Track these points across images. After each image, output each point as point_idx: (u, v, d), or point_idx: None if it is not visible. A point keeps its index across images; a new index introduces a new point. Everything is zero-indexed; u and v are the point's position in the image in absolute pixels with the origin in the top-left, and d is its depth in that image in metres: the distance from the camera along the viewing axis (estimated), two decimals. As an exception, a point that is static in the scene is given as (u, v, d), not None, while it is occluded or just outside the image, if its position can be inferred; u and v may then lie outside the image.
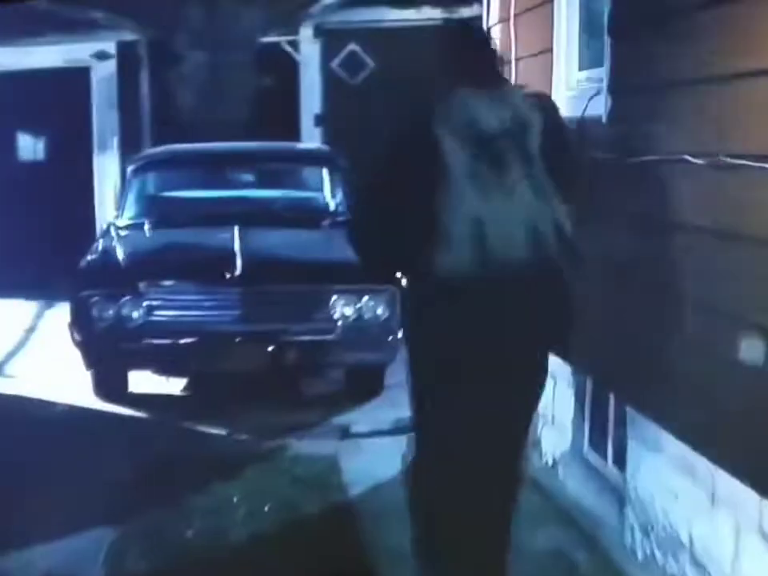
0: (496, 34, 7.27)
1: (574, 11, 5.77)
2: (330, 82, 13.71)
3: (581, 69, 5.80)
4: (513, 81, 6.69)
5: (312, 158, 10.42)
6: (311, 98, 13.74)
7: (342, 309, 8.03)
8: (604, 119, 5.00)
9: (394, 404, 7.08)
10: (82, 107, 13.81)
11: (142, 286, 8.00)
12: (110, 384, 8.50)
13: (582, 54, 5.81)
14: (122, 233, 9.10)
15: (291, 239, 8.80)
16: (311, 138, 13.43)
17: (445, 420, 3.98)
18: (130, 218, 9.38)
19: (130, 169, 9.82)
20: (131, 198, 9.60)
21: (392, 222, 3.99)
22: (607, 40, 5.01)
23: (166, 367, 8.37)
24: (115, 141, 13.61)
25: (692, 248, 4.30)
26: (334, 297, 8.02)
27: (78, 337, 8.13)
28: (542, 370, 4.13)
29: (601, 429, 5.66)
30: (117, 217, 9.62)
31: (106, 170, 13.52)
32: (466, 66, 4.07)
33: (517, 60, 6.71)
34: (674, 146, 4.35)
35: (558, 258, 3.92)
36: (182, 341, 7.93)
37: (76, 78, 13.76)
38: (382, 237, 4.06)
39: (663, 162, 4.42)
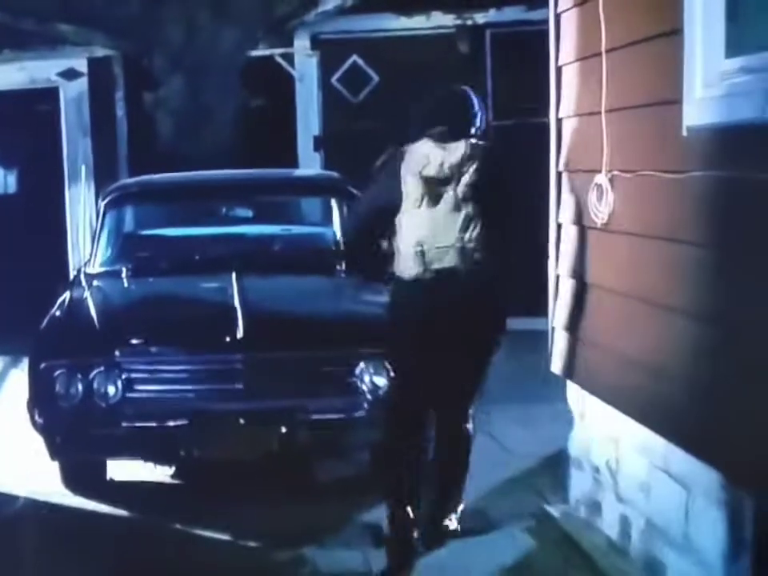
0: (570, 20, 5.64)
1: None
2: (330, 99, 12.46)
3: (728, 56, 4.11)
4: (603, 79, 5.13)
5: (319, 187, 8.99)
6: (309, 118, 12.44)
7: (371, 378, 6.44)
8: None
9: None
10: (53, 133, 12.47)
11: (118, 353, 6.45)
12: (82, 475, 6.99)
13: (730, 35, 4.13)
14: (95, 283, 7.63)
15: (302, 288, 7.37)
16: (311, 164, 12.16)
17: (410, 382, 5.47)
18: (104, 264, 7.96)
19: (102, 203, 8.34)
20: (105, 238, 8.14)
21: (373, 239, 5.61)
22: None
23: (150, 456, 6.77)
24: (88, 171, 12.18)
25: None
26: (362, 364, 6.43)
27: (38, 419, 6.54)
28: (479, 347, 5.51)
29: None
30: (88, 262, 8.10)
31: (81, 205, 11.96)
32: (438, 121, 5.39)
33: (608, 51, 5.06)
34: None
35: (476, 267, 5.27)
36: (171, 423, 6.37)
37: (43, 100, 12.46)
38: (367, 249, 5.78)
39: None
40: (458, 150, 5.29)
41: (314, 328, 6.58)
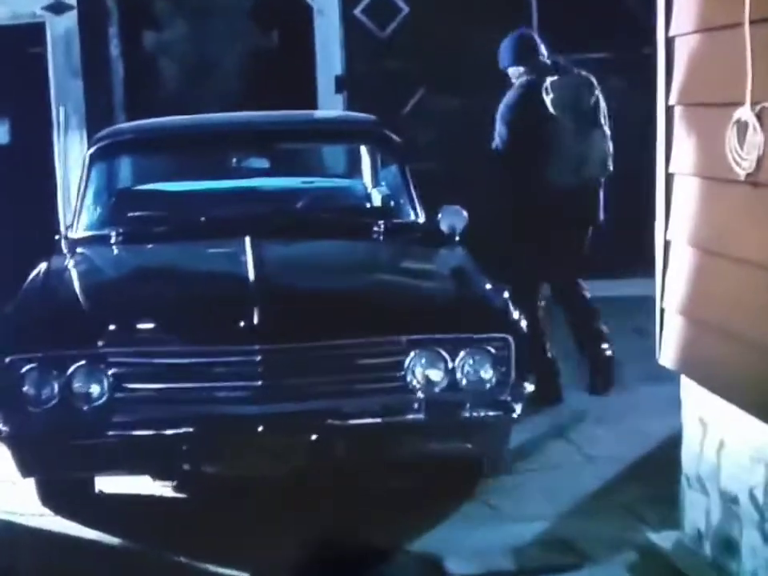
0: None
1: None
2: (354, 33, 11.45)
3: None
4: None
5: (347, 132, 7.79)
6: (330, 56, 11.39)
7: (424, 372, 5.25)
8: None
9: (500, 509, 5.52)
10: (40, 74, 11.29)
11: (102, 342, 5.22)
12: (64, 490, 5.78)
13: None
14: (78, 250, 6.47)
15: (332, 257, 6.23)
16: (333, 107, 11.04)
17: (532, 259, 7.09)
18: (90, 227, 6.76)
19: (89, 153, 7.11)
20: (91, 195, 6.94)
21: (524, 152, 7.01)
22: None
23: (145, 473, 5.60)
24: (80, 117, 11.07)
25: None
26: (412, 353, 5.23)
27: (3, 428, 5.27)
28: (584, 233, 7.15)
29: None
30: (70, 226, 6.87)
31: (74, 158, 10.77)
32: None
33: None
34: None
35: (603, 172, 7.03)
36: (171, 431, 5.17)
37: (28, 38, 11.25)
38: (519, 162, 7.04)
39: None
40: (576, 80, 6.95)
41: (350, 309, 5.36)
